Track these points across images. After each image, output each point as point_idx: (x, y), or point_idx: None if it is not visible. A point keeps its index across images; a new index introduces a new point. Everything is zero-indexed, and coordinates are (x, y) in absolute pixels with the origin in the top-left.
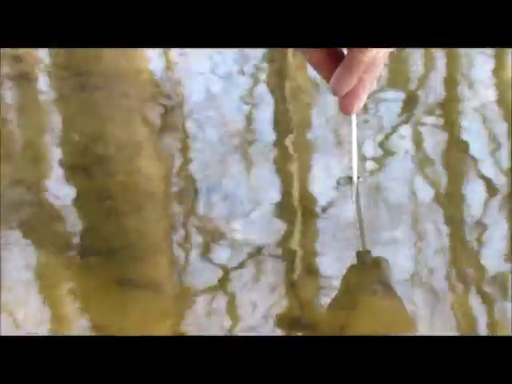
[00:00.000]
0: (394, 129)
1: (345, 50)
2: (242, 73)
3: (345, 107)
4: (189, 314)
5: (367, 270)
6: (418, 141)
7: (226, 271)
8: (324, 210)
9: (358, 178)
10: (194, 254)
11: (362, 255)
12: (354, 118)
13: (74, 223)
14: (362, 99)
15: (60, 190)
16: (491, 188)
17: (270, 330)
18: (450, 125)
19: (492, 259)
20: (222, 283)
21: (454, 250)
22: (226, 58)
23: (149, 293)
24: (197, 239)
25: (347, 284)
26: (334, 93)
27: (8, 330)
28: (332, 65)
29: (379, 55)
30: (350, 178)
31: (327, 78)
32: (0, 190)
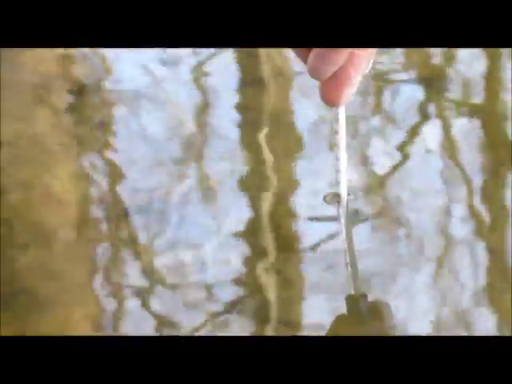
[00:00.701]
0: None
1: None
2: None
3: (327, 95)
4: None
5: (361, 320)
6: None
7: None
8: (309, 242)
9: (349, 194)
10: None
11: (354, 301)
12: (341, 112)
13: None
14: (352, 84)
15: None
16: None
17: None
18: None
19: None
20: None
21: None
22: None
23: None
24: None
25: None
26: (313, 75)
27: None
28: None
29: None
30: (338, 195)
31: (304, 57)
32: None
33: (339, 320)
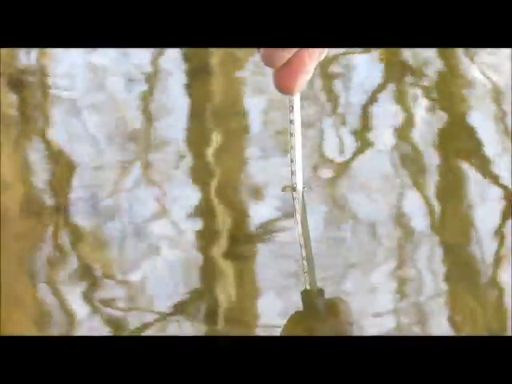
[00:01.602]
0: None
1: None
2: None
3: (281, 83)
4: None
5: (318, 317)
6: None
7: None
8: (261, 233)
9: (304, 188)
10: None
11: (310, 296)
12: (296, 99)
13: None
14: (302, 75)
15: None
16: None
17: None
18: None
19: None
20: None
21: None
22: None
23: None
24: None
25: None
26: (266, 62)
27: None
28: None
29: None
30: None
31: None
32: None
33: (294, 318)
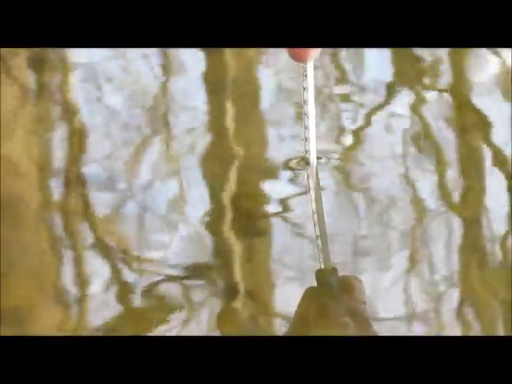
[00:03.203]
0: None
1: None
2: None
3: (295, 50)
4: None
5: (331, 295)
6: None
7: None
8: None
9: (319, 158)
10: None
11: (324, 274)
12: (310, 67)
13: None
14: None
15: None
16: None
17: None
18: None
19: None
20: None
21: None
22: None
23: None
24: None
25: (302, 315)
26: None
27: None
28: None
29: None
30: (306, 160)
31: None
32: None
33: (308, 293)
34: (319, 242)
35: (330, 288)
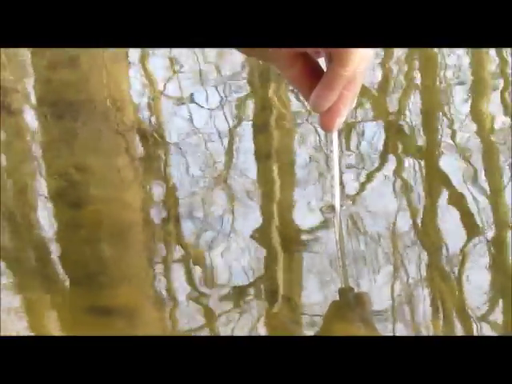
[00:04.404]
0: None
1: (324, 67)
2: (222, 106)
3: (325, 124)
4: None
5: (349, 308)
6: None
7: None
8: (307, 242)
9: (341, 206)
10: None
11: (344, 291)
12: (335, 136)
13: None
14: (343, 115)
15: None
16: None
17: None
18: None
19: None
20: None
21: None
22: (207, 90)
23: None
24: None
25: (329, 321)
26: (314, 109)
27: None
28: (312, 81)
29: (359, 70)
30: (332, 207)
31: (307, 95)
32: None
33: (332, 307)
34: (341, 269)
35: (348, 302)
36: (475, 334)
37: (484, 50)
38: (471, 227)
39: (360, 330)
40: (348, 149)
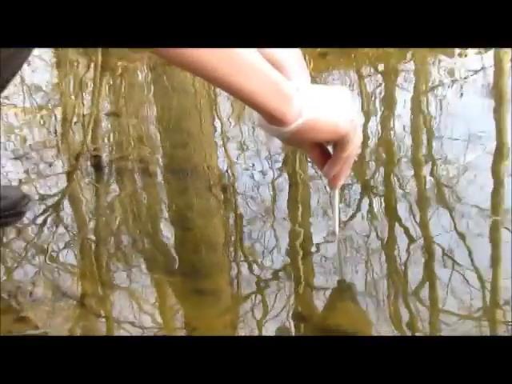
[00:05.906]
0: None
1: (330, 149)
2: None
3: (332, 185)
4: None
5: (344, 291)
6: None
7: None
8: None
9: (339, 231)
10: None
11: (341, 283)
12: (337, 192)
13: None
14: (343, 179)
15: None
16: None
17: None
18: None
19: None
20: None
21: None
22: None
23: (213, 298)
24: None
25: (332, 299)
26: (325, 176)
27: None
28: (324, 159)
29: (352, 153)
30: (334, 232)
31: (321, 168)
32: None
33: (334, 290)
34: (340, 275)
35: (353, 295)
36: None
37: None
38: None
39: (350, 305)
40: (342, 201)
